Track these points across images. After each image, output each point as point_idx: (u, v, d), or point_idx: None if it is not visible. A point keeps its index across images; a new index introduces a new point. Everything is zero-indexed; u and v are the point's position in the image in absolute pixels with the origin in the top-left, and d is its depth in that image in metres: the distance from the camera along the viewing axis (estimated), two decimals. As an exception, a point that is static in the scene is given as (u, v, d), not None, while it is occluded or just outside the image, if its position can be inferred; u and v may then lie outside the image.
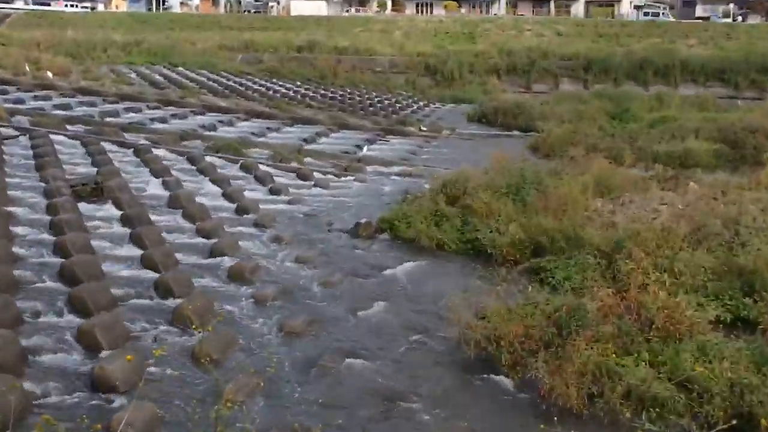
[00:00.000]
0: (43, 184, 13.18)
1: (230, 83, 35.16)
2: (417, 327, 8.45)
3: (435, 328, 8.33)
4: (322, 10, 66.19)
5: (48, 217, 11.14)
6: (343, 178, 17.33)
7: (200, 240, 11.22)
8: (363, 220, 12.35)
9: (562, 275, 9.34)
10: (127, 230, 11.07)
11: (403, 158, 20.68)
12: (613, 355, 6.72)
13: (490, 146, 20.41)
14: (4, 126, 18.30)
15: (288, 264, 10.45)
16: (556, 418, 5.78)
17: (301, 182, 16.48)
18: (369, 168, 18.79)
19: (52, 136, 17.48)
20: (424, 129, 26.42)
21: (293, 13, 65.48)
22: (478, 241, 11.10)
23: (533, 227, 10.82)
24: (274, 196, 14.72)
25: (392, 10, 69.57)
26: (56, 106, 22.76)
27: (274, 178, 16.20)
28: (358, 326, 8.48)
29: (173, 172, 15.33)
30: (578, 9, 70.24)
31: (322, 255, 10.93)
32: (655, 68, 41.79)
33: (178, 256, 10.22)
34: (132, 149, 17.37)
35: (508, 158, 13.98)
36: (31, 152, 15.87)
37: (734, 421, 5.61)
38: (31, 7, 65.75)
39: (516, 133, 26.73)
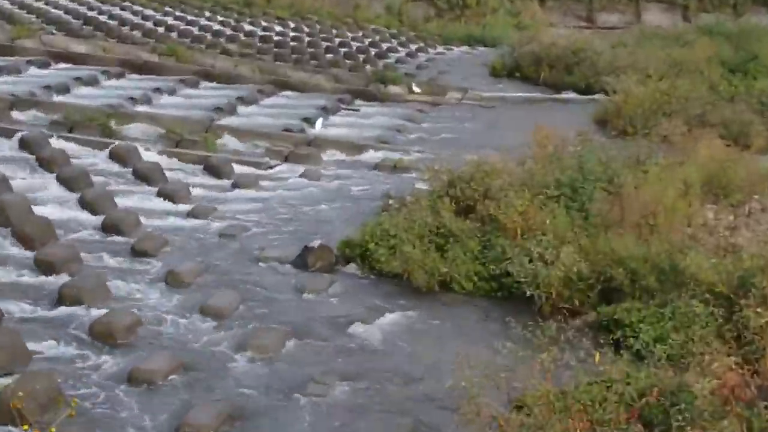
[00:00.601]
0: None
1: (93, 14, 34.98)
2: (408, 423, 8.42)
3: (438, 424, 8.30)
4: None
5: None
6: (282, 173, 17.23)
7: (41, 279, 11.16)
8: (316, 243, 12.33)
9: (652, 334, 9.41)
10: None
11: (382, 139, 20.64)
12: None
13: (527, 118, 20.30)
14: None
15: (190, 319, 10.44)
16: None
17: (212, 180, 16.52)
18: (326, 156, 18.77)
19: None
20: (418, 90, 26.46)
21: None
22: (509, 276, 11.14)
23: (601, 253, 10.84)
24: (167, 204, 14.72)
25: None
26: None
27: (167, 173, 16.10)
28: (310, 424, 8.41)
29: (-4, 165, 15.11)
30: None
31: (247, 302, 10.92)
32: (802, -12, 42.04)
33: (4, 305, 10.10)
34: (-74, 126, 17.21)
35: (557, 138, 13.91)
36: None
37: None
38: None
39: (571, 95, 26.77)
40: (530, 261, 11.04)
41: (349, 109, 24.04)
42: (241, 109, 22.62)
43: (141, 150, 17.27)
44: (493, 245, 11.73)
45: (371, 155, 19.03)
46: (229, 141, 19.33)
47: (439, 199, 12.63)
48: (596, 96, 24.98)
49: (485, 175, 12.79)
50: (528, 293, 10.81)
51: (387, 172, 17.71)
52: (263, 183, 16.53)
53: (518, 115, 23.26)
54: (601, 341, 9.49)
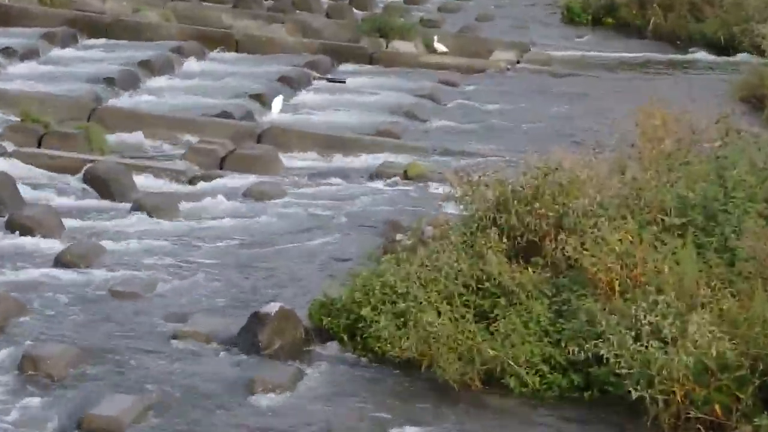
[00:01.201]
0: None
1: None
2: None
3: None
4: None
5: None
6: (215, 188, 14.62)
7: None
8: (272, 308, 10.26)
9: None
10: None
11: (383, 129, 17.99)
12: None
13: (628, 93, 18.71)
14: None
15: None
16: None
17: (98, 201, 14.21)
18: (289, 158, 16.18)
19: None
20: (444, 48, 23.83)
21: None
22: (602, 365, 9.12)
23: (758, 324, 9.05)
24: (24, 241, 12.53)
25: None
26: None
27: (23, 189, 13.92)
28: None
29: None
30: None
31: (157, 411, 9.00)
32: None
33: None
34: None
35: (679, 127, 12.06)
36: None
37: None
38: None
39: (702, 55, 24.77)
40: (636, 338, 9.02)
41: (328, 80, 21.16)
42: (147, 81, 20.01)
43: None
44: (573, 311, 9.54)
45: (365, 157, 16.45)
46: (127, 135, 16.77)
47: (481, 232, 10.43)
48: (743, 56, 23.39)
49: (559, 191, 10.54)
50: (635, 394, 8.74)
51: (392, 185, 15.17)
52: (184, 205, 13.91)
53: (613, 87, 21.51)
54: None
